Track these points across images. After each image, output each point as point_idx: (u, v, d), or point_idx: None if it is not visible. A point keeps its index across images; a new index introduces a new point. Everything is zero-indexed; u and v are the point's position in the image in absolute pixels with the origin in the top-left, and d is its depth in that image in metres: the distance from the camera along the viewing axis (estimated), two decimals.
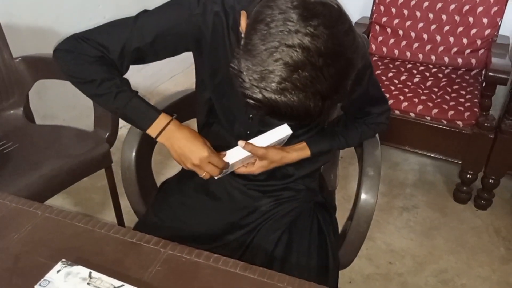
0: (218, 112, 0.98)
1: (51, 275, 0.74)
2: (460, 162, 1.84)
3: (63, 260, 0.76)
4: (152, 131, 0.87)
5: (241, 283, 0.74)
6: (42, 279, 0.73)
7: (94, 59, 0.86)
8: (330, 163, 1.18)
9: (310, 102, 0.60)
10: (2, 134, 1.49)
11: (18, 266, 0.79)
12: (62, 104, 2.03)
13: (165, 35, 0.86)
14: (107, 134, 1.48)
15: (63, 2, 1.99)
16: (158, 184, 1.19)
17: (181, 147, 0.86)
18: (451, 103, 1.83)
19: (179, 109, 1.17)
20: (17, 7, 1.77)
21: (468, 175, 1.85)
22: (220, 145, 0.91)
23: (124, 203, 1.65)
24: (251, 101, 0.62)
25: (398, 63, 2.21)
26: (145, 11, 0.88)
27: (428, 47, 2.18)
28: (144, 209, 1.11)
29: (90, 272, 0.74)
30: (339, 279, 0.98)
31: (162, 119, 0.87)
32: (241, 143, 0.87)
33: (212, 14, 0.83)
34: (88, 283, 0.72)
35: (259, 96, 0.60)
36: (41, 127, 1.58)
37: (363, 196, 0.96)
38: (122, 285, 0.72)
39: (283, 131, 0.90)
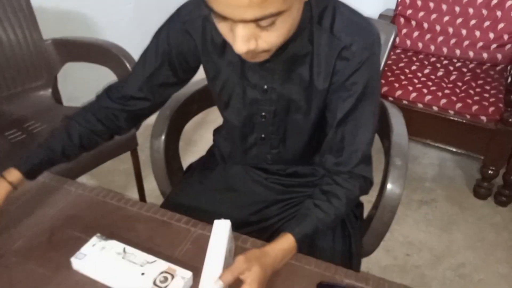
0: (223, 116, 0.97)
1: (87, 248, 0.76)
2: (482, 158, 1.83)
3: (98, 234, 0.79)
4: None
5: None
6: (78, 252, 0.76)
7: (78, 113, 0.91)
8: None
9: None
10: (30, 115, 1.53)
11: (53, 240, 0.82)
12: (85, 88, 2.04)
13: (169, 53, 0.85)
14: None
15: None
16: (184, 167, 1.21)
17: None
18: (475, 98, 1.81)
19: (201, 97, 1.19)
20: None
21: (489, 171, 1.83)
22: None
23: (147, 185, 1.68)
24: None
25: (422, 56, 2.19)
26: (153, 36, 0.87)
27: (453, 41, 2.15)
28: (169, 189, 1.14)
29: (124, 247, 0.77)
30: None
31: (14, 174, 0.83)
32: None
33: (201, 19, 0.81)
34: (122, 258, 0.75)
35: None
36: (69, 109, 1.61)
37: (389, 185, 0.96)
38: (155, 261, 0.74)
39: (219, 229, 0.73)
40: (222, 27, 0.65)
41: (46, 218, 0.86)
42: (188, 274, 0.71)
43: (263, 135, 0.93)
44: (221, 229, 0.73)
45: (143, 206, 0.90)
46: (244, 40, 0.63)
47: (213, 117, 1.22)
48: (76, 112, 0.91)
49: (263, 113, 0.88)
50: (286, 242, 0.75)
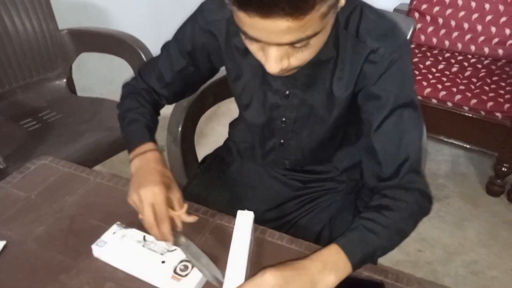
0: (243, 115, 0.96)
1: (107, 236, 0.77)
2: (495, 155, 1.81)
3: (118, 222, 0.80)
4: (134, 152, 0.80)
5: (287, 255, 0.75)
6: (99, 240, 0.76)
7: (136, 91, 0.89)
8: None
9: None
10: (46, 104, 1.54)
11: (73, 227, 0.82)
12: (99, 79, 2.08)
13: (194, 51, 0.85)
14: None
15: None
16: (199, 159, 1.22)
17: (142, 175, 0.74)
18: (490, 94, 1.79)
19: (217, 89, 1.19)
20: None
21: (503, 168, 1.82)
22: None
23: None
24: None
25: (436, 51, 2.17)
26: (178, 29, 0.87)
27: (468, 36, 2.13)
28: (185, 180, 1.14)
29: (144, 236, 0.77)
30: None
31: (150, 145, 0.80)
32: None
33: (225, 21, 0.80)
34: (143, 246, 0.75)
35: None
36: (83, 99, 1.63)
37: None
38: (175, 249, 0.74)
39: (243, 220, 0.73)
40: (254, 47, 0.64)
41: (65, 206, 0.87)
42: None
43: (282, 141, 0.92)
44: (245, 220, 0.73)
45: None
46: (278, 61, 0.62)
47: (224, 110, 1.22)
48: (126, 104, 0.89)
49: (284, 119, 0.87)
50: (329, 250, 0.65)
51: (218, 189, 1.04)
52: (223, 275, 0.66)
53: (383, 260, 1.54)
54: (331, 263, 0.64)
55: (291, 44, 0.59)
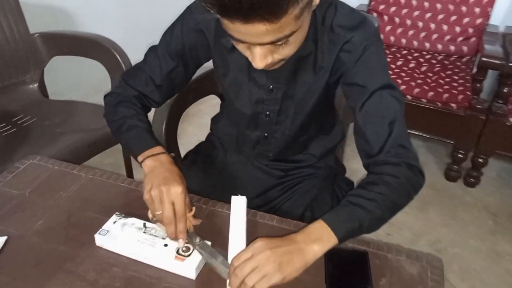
0: (229, 108, 1.01)
1: (108, 225, 0.81)
2: (452, 142, 1.96)
3: (117, 213, 0.83)
4: (144, 154, 0.83)
5: (278, 233, 0.81)
6: (101, 229, 0.80)
7: (126, 99, 0.92)
8: None
9: None
10: (20, 108, 1.54)
11: (71, 220, 0.85)
12: (68, 83, 2.07)
13: (183, 51, 0.90)
14: None
15: None
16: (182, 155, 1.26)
17: (160, 173, 0.78)
18: (445, 87, 1.94)
19: (197, 86, 1.24)
20: None
21: (459, 155, 1.97)
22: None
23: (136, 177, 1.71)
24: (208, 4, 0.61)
25: (394, 49, 2.31)
26: (164, 33, 0.91)
27: (423, 34, 2.28)
28: None
29: (144, 223, 0.81)
30: None
31: (159, 148, 0.84)
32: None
33: (214, 21, 0.85)
34: (144, 232, 0.80)
35: None
36: (56, 102, 1.63)
37: None
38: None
39: (238, 204, 0.79)
40: (240, 46, 0.70)
41: (61, 201, 0.89)
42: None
43: (266, 134, 0.98)
44: (239, 204, 0.79)
45: None
46: (262, 58, 0.69)
47: (194, 111, 1.27)
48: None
49: (268, 112, 0.93)
50: (315, 224, 0.72)
51: (204, 181, 1.09)
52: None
53: (354, 243, 1.64)
54: (315, 235, 0.70)
55: (272, 43, 0.66)
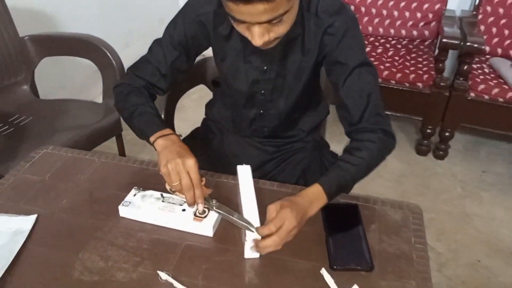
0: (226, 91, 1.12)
1: (130, 197, 0.90)
2: (420, 119, 2.13)
3: (135, 187, 0.93)
4: (156, 135, 0.91)
5: (280, 195, 0.92)
6: (123, 201, 0.89)
7: (135, 88, 1.01)
8: None
9: None
10: (14, 109, 1.59)
11: (93, 197, 0.94)
12: (53, 84, 2.11)
13: (185, 42, 1.00)
14: None
15: None
16: None
17: (172, 150, 0.87)
18: (411, 69, 2.11)
19: (192, 74, 1.34)
20: None
21: (427, 130, 2.15)
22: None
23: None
24: None
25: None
26: (167, 27, 1.01)
27: (387, 21, 2.44)
28: None
29: (162, 193, 0.91)
30: None
31: (169, 130, 0.93)
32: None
33: (212, 12, 0.96)
34: (162, 201, 0.90)
35: None
36: (49, 101, 1.69)
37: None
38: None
39: (244, 173, 0.91)
40: (240, 27, 0.82)
41: (80, 182, 0.98)
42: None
43: (261, 111, 1.10)
44: (245, 172, 0.90)
45: None
46: (260, 36, 0.80)
47: (178, 106, 1.38)
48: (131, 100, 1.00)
49: (263, 91, 1.04)
50: (314, 188, 0.85)
51: (204, 161, 1.19)
52: (252, 223, 0.80)
53: None
54: (314, 198, 0.85)
55: (269, 21, 0.78)
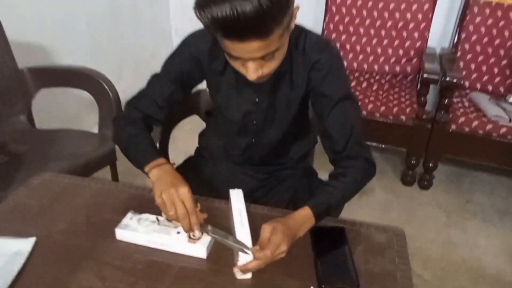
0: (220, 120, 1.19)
1: (126, 221, 0.94)
2: (405, 150, 2.21)
3: (131, 210, 0.97)
4: (150, 165, 0.96)
5: (270, 219, 0.97)
6: (120, 224, 0.93)
7: (133, 121, 1.06)
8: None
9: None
10: (11, 139, 1.62)
11: (90, 221, 0.98)
12: (49, 115, 2.15)
13: (181, 77, 1.07)
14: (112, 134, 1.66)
15: (45, 19, 2.15)
16: None
17: (166, 180, 0.91)
18: (395, 102, 2.20)
19: (184, 106, 1.40)
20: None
21: (412, 161, 2.22)
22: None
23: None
24: (208, 21, 0.76)
25: (347, 72, 2.58)
26: (164, 63, 1.07)
27: (371, 58, 2.57)
28: None
29: (157, 217, 0.95)
30: None
31: (163, 159, 0.98)
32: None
33: (207, 50, 1.03)
34: (158, 224, 0.93)
35: (209, 15, 0.75)
36: (45, 131, 1.73)
37: None
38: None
39: (236, 196, 0.96)
40: (236, 63, 0.88)
41: (78, 207, 1.01)
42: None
43: (253, 140, 1.16)
44: (238, 195, 0.95)
45: None
46: (255, 71, 0.87)
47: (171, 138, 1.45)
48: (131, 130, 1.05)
49: (254, 121, 1.11)
50: (303, 211, 0.91)
51: (196, 188, 1.23)
52: (247, 245, 0.84)
53: None
54: (304, 220, 0.91)
55: (262, 58, 0.85)
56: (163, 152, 1.36)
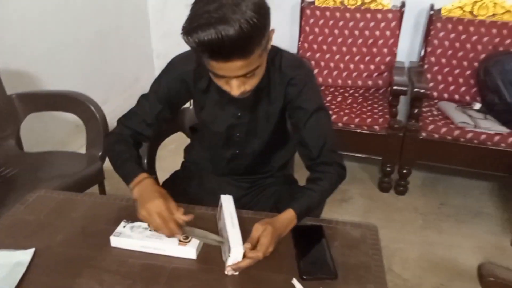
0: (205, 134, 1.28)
1: (120, 229, 1.01)
2: (380, 158, 2.33)
3: (124, 220, 1.04)
4: (133, 183, 1.04)
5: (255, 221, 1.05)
6: (114, 232, 1.00)
7: (122, 138, 1.15)
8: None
9: (233, 24, 0.82)
10: (0, 163, 1.67)
11: (86, 231, 1.04)
12: (37, 138, 2.20)
13: (169, 96, 1.15)
14: (100, 154, 1.73)
15: (34, 47, 2.23)
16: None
17: (144, 196, 0.99)
18: (368, 113, 2.33)
19: (169, 124, 1.47)
20: None
21: (387, 168, 2.34)
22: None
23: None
24: (196, 45, 0.85)
25: (323, 88, 2.70)
26: (152, 84, 1.16)
27: (345, 73, 2.70)
28: None
29: (149, 224, 1.02)
30: None
31: (144, 175, 1.05)
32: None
33: (192, 71, 1.13)
34: (150, 230, 1.01)
35: (196, 40, 0.84)
36: (34, 154, 1.78)
37: None
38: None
39: (227, 201, 1.04)
40: (220, 82, 0.97)
41: (73, 219, 1.08)
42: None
43: (237, 151, 1.25)
44: (228, 201, 1.04)
45: None
46: (238, 87, 0.96)
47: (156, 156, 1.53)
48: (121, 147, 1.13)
49: (238, 134, 1.20)
50: (288, 213, 1.01)
51: (184, 200, 1.30)
52: (222, 237, 0.94)
53: None
54: (288, 222, 1.01)
55: (244, 75, 0.95)
56: (151, 168, 1.43)
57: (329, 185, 1.10)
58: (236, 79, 0.95)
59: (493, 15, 2.50)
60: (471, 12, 2.54)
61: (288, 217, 1.01)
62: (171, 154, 1.42)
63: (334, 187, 1.12)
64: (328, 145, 1.11)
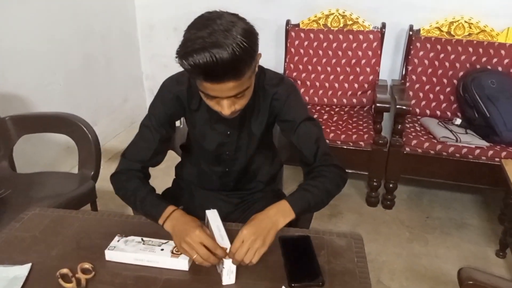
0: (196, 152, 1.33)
1: (114, 243, 1.04)
2: (366, 173, 2.39)
3: (118, 234, 1.07)
4: (161, 219, 1.06)
5: None
6: (109, 246, 1.03)
7: (131, 174, 1.17)
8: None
9: (226, 47, 0.87)
10: None
11: (81, 245, 1.07)
12: (29, 159, 2.23)
13: (166, 119, 1.19)
14: (92, 173, 1.76)
15: (25, 72, 2.27)
16: None
17: (179, 229, 1.01)
18: (353, 130, 2.40)
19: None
20: None
21: (374, 183, 2.40)
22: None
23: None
24: (191, 67, 0.89)
25: (309, 106, 2.78)
26: (149, 111, 1.20)
27: (330, 92, 2.78)
28: None
29: (142, 238, 1.06)
30: None
31: (170, 208, 1.07)
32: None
33: (185, 90, 1.18)
34: (143, 244, 1.04)
35: (192, 63, 0.89)
36: (27, 175, 1.81)
37: None
38: (168, 241, 1.04)
39: (212, 215, 1.08)
40: (212, 102, 1.02)
41: (68, 235, 1.11)
42: None
43: (227, 169, 1.30)
44: (214, 215, 1.08)
45: (140, 217, 1.19)
46: (229, 107, 1.02)
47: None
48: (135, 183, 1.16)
49: (227, 152, 1.26)
50: (278, 204, 1.03)
51: None
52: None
53: None
54: (280, 209, 1.03)
55: (235, 96, 1.00)
56: None
57: (328, 180, 1.11)
58: (227, 100, 1.00)
59: (469, 34, 2.62)
60: (448, 32, 2.66)
61: (278, 206, 1.03)
62: (162, 173, 1.47)
63: (334, 187, 1.13)
64: (321, 150, 1.16)
